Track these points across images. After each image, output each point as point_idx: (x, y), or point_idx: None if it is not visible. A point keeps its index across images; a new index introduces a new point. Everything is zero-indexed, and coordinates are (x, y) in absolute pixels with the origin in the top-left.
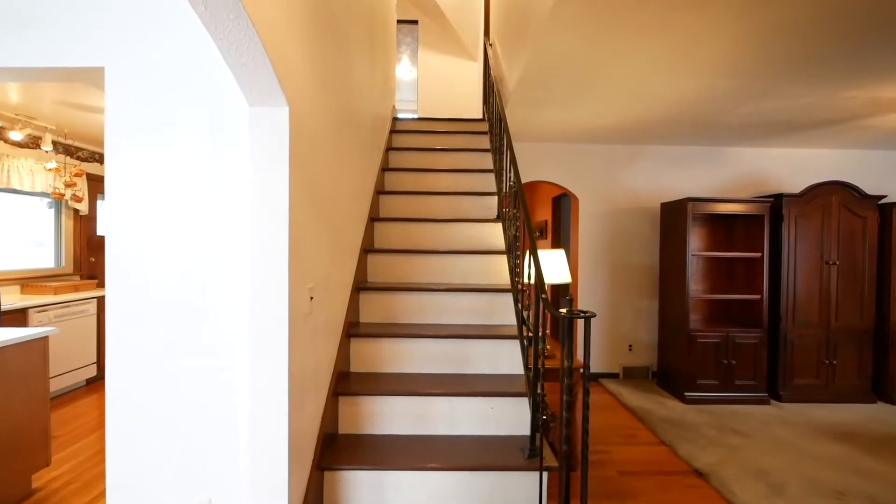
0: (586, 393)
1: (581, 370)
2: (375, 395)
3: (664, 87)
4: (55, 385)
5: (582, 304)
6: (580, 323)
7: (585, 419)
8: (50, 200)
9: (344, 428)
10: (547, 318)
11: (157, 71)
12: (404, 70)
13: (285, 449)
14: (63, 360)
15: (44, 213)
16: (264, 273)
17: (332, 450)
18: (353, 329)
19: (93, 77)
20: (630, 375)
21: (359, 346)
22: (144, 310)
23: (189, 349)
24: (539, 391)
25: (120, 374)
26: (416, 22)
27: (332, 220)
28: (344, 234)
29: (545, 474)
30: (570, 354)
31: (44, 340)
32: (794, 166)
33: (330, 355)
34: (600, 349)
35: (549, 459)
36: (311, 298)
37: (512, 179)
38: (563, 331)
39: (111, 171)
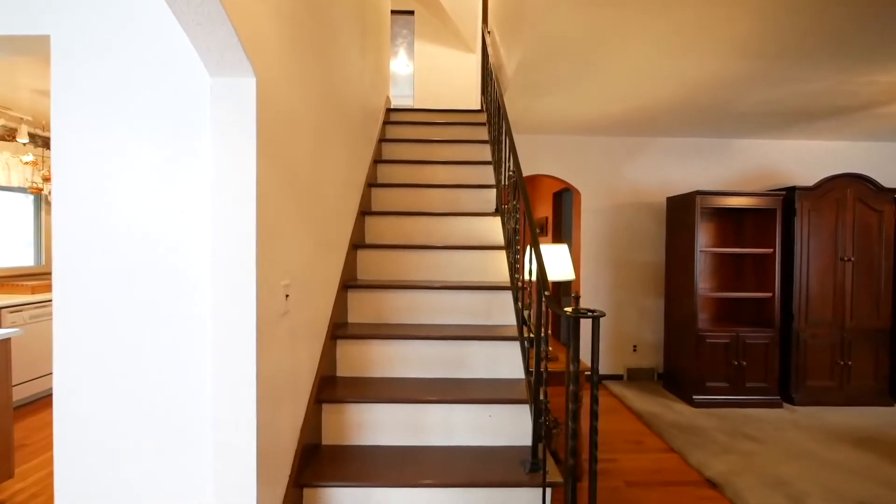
0: (594, 400)
1: (587, 374)
2: (363, 402)
3: (671, 72)
4: (31, 389)
5: (584, 302)
6: (584, 323)
7: (594, 430)
8: (36, 196)
9: (328, 438)
10: (549, 317)
11: (111, 39)
12: (401, 65)
13: (253, 464)
14: (40, 363)
15: (28, 209)
16: (228, 265)
17: (314, 463)
18: (340, 330)
19: (38, 47)
20: (635, 377)
21: (346, 349)
22: (96, 308)
23: (148, 353)
24: (542, 397)
25: (68, 381)
26: (412, 13)
27: (315, 211)
28: (329, 226)
29: (549, 490)
30: (576, 357)
31: (5, 343)
32: (805, 159)
33: (312, 358)
34: (603, 350)
35: (553, 473)
36: (287, 296)
37: (511, 168)
38: (569, 331)
39: (58, 154)
